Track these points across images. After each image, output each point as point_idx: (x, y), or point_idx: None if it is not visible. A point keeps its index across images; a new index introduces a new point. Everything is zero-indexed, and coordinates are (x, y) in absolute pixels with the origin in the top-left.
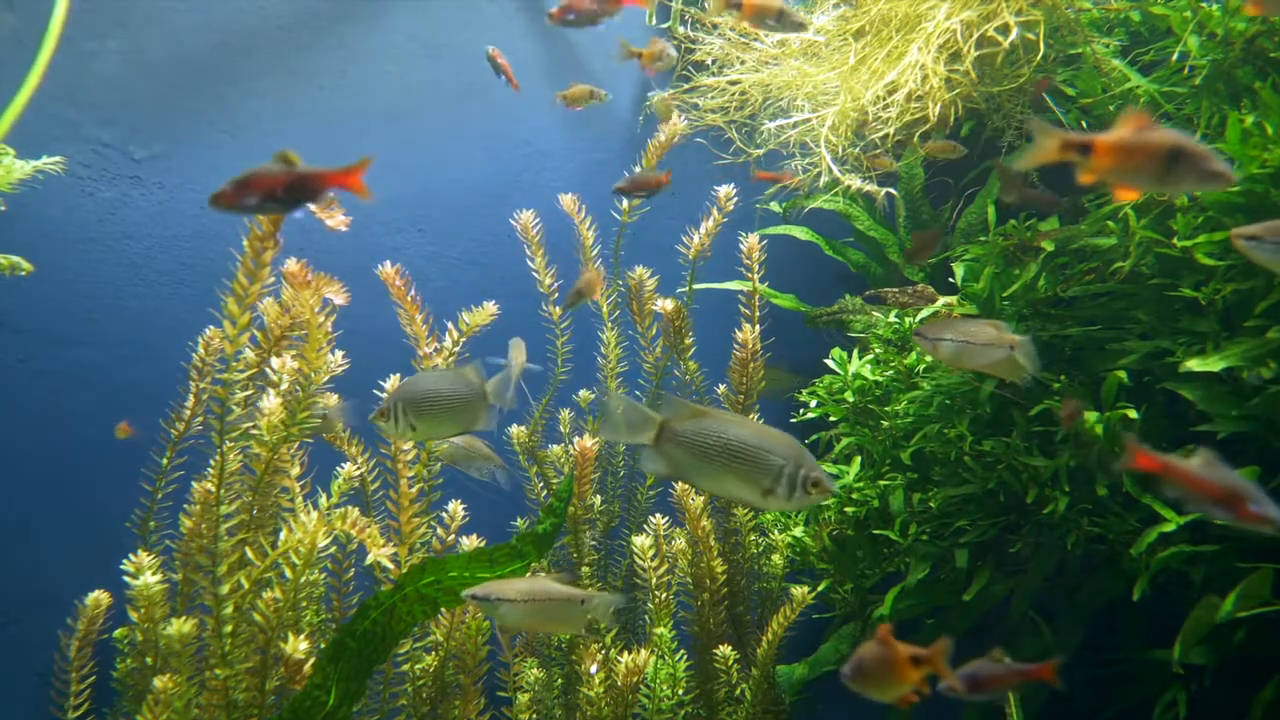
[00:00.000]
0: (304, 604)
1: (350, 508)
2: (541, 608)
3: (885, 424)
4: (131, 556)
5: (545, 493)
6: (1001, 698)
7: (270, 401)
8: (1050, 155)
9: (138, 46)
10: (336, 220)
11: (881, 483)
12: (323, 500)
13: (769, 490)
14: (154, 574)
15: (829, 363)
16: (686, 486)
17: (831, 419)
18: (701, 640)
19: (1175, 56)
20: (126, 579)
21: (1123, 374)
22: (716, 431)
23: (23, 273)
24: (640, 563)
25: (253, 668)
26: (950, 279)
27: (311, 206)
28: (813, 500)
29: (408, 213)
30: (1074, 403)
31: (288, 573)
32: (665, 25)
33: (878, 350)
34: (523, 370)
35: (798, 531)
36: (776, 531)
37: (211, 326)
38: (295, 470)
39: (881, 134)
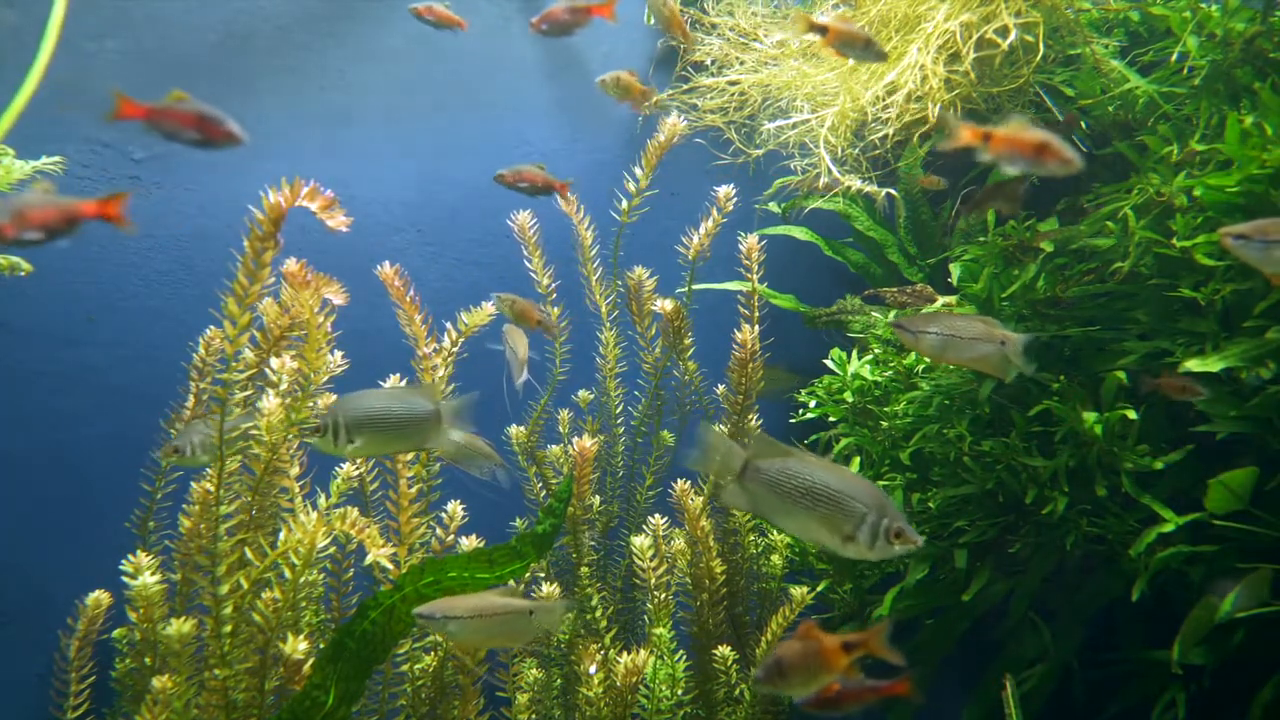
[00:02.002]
0: (303, 604)
1: (349, 508)
2: (490, 623)
3: (884, 424)
4: (130, 557)
5: (544, 493)
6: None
7: (270, 402)
8: None
9: (137, 46)
10: (338, 221)
11: (881, 483)
12: (322, 500)
13: (849, 537)
14: (153, 574)
15: (828, 363)
16: (686, 486)
17: (831, 419)
18: (700, 641)
19: (1174, 57)
20: (125, 579)
21: (1122, 374)
22: (801, 473)
23: (22, 273)
24: (639, 563)
25: (252, 668)
26: (949, 279)
27: (311, 207)
28: (895, 552)
29: (407, 213)
30: (1178, 381)
31: (287, 573)
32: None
33: (877, 350)
34: (525, 360)
35: None
36: (775, 532)
37: (212, 327)
38: (294, 470)
39: (881, 134)
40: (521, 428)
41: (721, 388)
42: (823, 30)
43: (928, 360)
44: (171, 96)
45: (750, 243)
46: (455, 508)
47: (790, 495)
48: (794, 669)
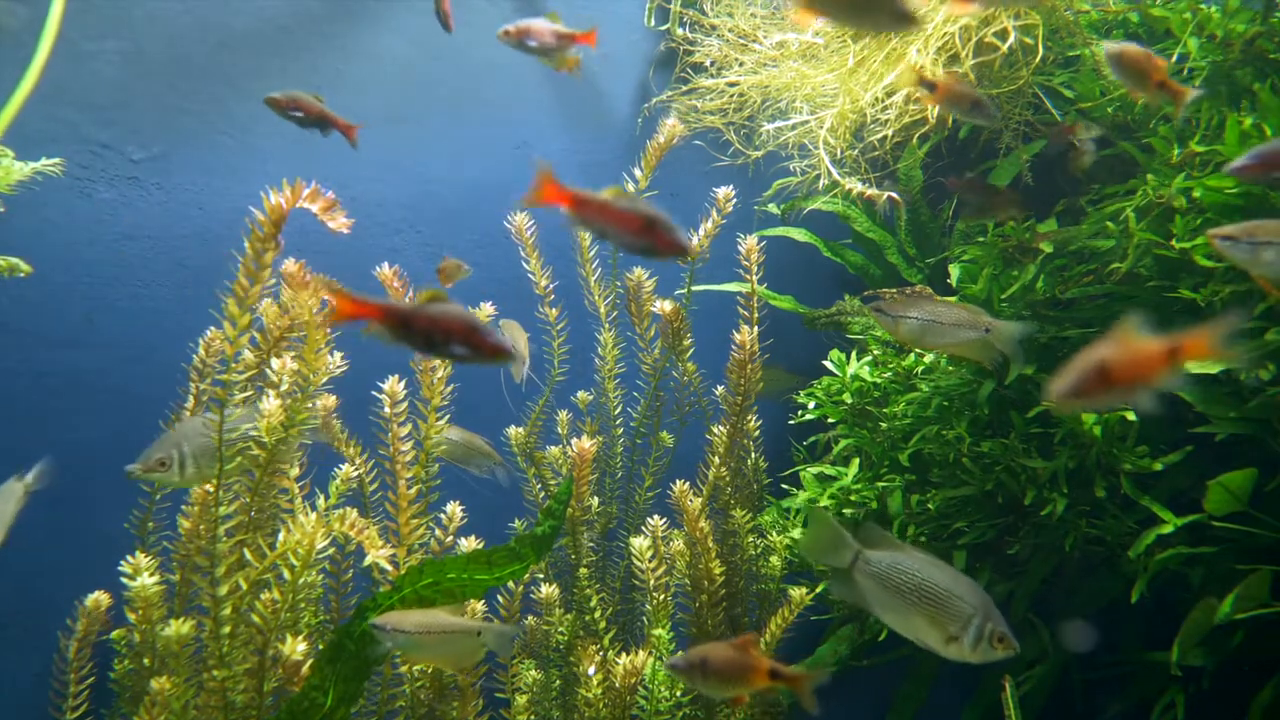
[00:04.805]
0: (302, 605)
1: (349, 509)
2: (437, 640)
3: (884, 425)
4: (129, 557)
5: (543, 495)
6: None
7: (269, 403)
8: None
9: (136, 47)
10: (339, 223)
11: (880, 484)
12: (321, 501)
13: (953, 637)
14: (152, 575)
15: (827, 364)
16: (685, 487)
17: (830, 420)
18: (699, 642)
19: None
20: (124, 580)
21: None
22: (911, 569)
23: (21, 274)
24: (638, 564)
25: (250, 669)
26: (949, 280)
27: (313, 208)
28: (995, 656)
29: (405, 214)
30: None
31: (286, 574)
32: (664, 27)
33: (876, 352)
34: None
35: (796, 533)
36: (775, 533)
37: (212, 328)
38: (294, 471)
39: (880, 135)
40: (520, 429)
41: (721, 389)
42: (931, 86)
43: (926, 361)
44: (611, 191)
45: (749, 244)
46: (454, 509)
47: (899, 590)
48: (715, 672)
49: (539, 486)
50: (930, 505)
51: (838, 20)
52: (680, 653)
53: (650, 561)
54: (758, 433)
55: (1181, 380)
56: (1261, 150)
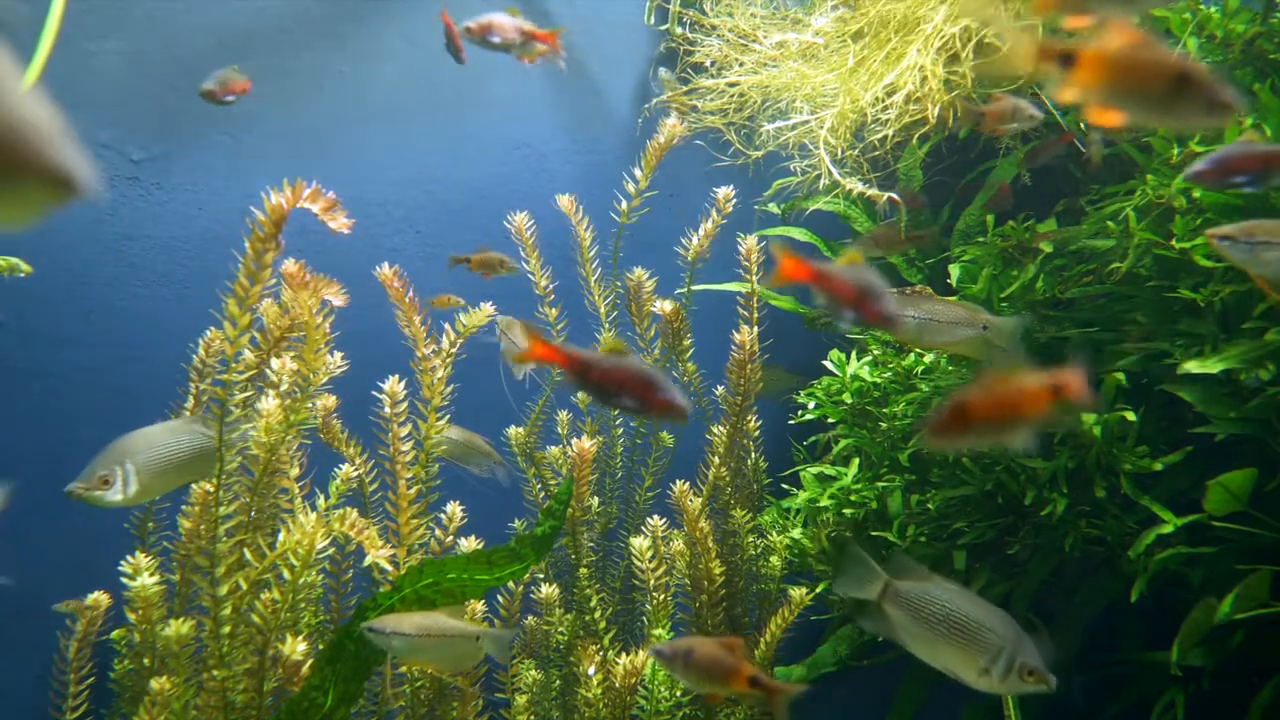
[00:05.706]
0: (302, 605)
1: (349, 509)
2: (436, 643)
3: (884, 425)
4: (129, 557)
5: (543, 495)
6: None
7: (269, 403)
8: (1026, 65)
9: (136, 47)
10: (340, 223)
11: (880, 484)
12: (321, 501)
13: (984, 669)
14: (151, 575)
15: (827, 364)
16: (685, 487)
17: (830, 420)
18: None
19: None
20: (124, 580)
21: (1121, 376)
22: (940, 599)
23: (21, 274)
24: (638, 564)
25: (250, 669)
26: (949, 280)
27: (313, 208)
28: (1025, 689)
29: (406, 214)
30: None
31: (286, 574)
32: (664, 27)
33: (876, 352)
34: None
35: (796, 533)
36: (775, 533)
37: (212, 328)
38: (294, 471)
39: (880, 135)
40: (520, 429)
41: (721, 389)
42: (981, 117)
43: (926, 361)
44: (847, 258)
45: (750, 244)
46: (454, 509)
47: (928, 621)
48: (697, 666)
49: (539, 486)
50: (930, 505)
51: (1143, 117)
52: (663, 643)
53: (650, 561)
54: (758, 433)
55: (1062, 418)
56: (1218, 155)
